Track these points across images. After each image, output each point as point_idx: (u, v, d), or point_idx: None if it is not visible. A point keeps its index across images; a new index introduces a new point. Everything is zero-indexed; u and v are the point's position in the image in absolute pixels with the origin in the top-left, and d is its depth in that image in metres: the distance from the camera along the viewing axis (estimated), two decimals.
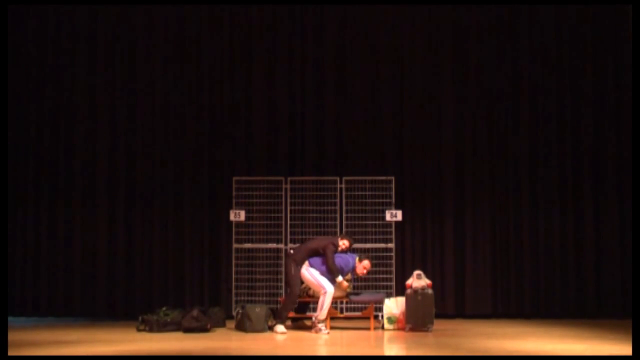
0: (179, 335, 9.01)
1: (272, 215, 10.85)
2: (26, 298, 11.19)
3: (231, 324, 9.72)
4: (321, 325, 9.19)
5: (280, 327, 9.19)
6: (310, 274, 9.30)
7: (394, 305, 9.52)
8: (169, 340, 8.50)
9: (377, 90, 11.39)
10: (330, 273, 9.30)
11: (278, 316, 9.35)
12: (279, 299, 10.23)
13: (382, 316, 9.62)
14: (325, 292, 9.20)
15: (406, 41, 11.44)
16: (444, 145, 11.29)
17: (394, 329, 9.46)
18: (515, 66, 11.32)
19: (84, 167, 11.37)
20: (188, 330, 9.11)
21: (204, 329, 9.16)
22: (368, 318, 9.63)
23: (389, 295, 9.93)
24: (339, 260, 9.37)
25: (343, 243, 9.55)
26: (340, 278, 9.34)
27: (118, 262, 11.21)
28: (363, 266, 9.49)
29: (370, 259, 9.66)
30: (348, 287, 9.57)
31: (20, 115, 11.40)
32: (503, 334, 9.01)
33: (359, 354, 7.52)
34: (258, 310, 9.32)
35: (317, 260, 9.37)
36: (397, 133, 11.35)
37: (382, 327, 9.54)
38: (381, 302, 9.63)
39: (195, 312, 9.22)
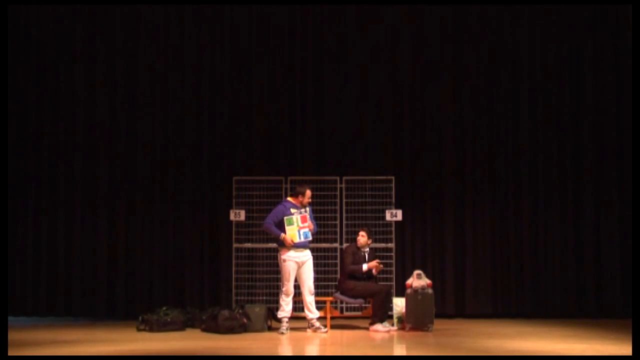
0: (179, 335, 9.02)
1: None
2: (26, 298, 11.18)
3: None
4: (318, 324, 9.20)
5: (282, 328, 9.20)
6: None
7: (403, 305, 9.46)
8: (169, 340, 8.51)
9: (377, 90, 11.39)
10: (353, 273, 9.54)
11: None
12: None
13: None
14: (312, 292, 9.26)
15: (406, 41, 11.43)
16: (444, 145, 11.29)
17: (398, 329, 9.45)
18: (516, 66, 11.33)
19: (84, 166, 11.37)
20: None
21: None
22: (368, 318, 9.63)
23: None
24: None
25: (362, 235, 9.71)
26: (365, 266, 9.51)
27: (118, 262, 11.21)
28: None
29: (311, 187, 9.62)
30: (378, 263, 9.63)
31: (20, 115, 11.39)
32: (503, 334, 9.02)
33: (359, 354, 7.52)
34: (257, 310, 9.32)
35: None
36: (397, 133, 11.35)
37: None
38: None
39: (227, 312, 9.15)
